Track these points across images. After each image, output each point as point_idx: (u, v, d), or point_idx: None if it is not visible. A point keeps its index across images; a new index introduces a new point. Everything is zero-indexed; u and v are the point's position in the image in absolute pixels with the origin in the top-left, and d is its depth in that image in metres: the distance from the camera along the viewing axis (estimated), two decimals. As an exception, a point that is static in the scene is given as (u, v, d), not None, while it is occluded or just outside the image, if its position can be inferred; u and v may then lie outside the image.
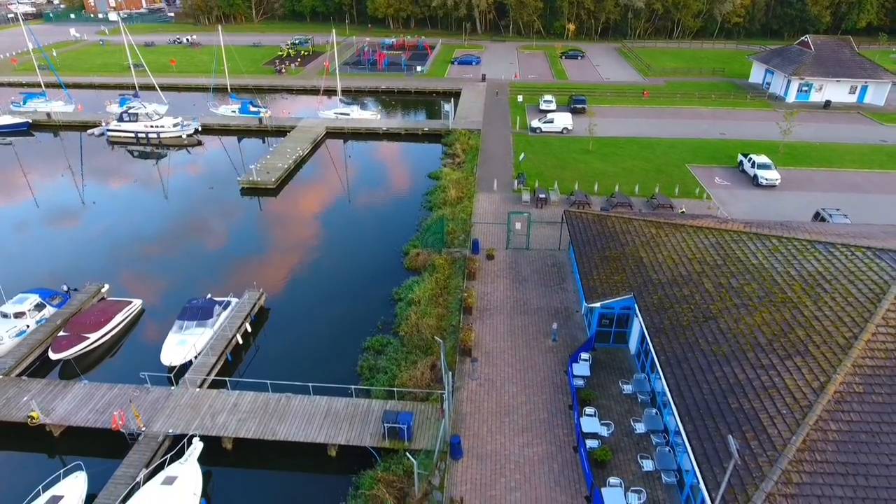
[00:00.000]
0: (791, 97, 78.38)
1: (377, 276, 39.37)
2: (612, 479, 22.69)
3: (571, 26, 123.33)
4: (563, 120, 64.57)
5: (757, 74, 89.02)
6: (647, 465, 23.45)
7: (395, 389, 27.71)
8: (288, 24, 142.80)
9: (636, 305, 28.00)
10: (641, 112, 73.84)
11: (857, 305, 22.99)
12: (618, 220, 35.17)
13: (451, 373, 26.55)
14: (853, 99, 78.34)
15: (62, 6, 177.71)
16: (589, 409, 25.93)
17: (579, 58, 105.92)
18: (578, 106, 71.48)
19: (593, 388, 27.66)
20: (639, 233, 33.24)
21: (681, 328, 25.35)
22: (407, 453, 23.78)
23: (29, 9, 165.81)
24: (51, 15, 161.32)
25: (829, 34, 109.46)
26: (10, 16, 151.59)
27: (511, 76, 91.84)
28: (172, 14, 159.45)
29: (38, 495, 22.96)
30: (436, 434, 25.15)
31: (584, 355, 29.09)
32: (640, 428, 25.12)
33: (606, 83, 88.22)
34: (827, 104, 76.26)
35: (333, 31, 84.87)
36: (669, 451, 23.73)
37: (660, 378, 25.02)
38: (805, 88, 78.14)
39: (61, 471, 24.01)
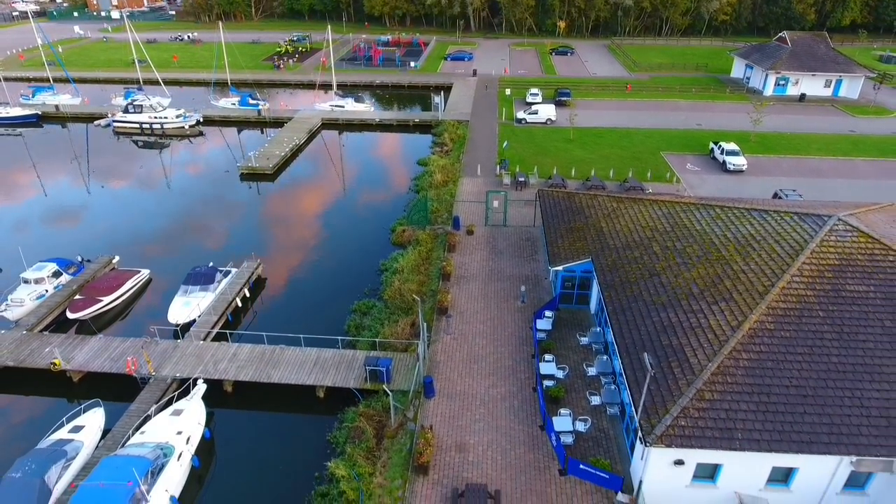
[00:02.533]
0: (769, 91, 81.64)
1: (366, 251, 42.69)
2: (563, 410, 26.01)
3: (562, 24, 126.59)
4: (546, 111, 67.88)
5: (738, 69, 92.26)
6: (595, 400, 26.78)
7: (377, 340, 31.06)
8: (287, 22, 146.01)
9: (594, 267, 31.28)
10: (624, 105, 77.10)
11: (779, 260, 26.32)
12: (584, 197, 38.45)
13: (426, 324, 29.86)
14: (828, 92, 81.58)
15: (65, 4, 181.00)
16: (548, 356, 29.23)
17: (569, 54, 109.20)
18: (563, 98, 74.76)
19: (554, 341, 30.97)
20: (602, 207, 36.51)
21: (629, 283, 28.63)
22: (385, 387, 27.07)
23: (33, 7, 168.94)
24: (54, 13, 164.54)
25: (813, 31, 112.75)
26: (14, 14, 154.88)
27: (501, 71, 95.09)
28: (174, 12, 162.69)
29: (62, 425, 26.30)
30: (412, 378, 28.45)
31: (548, 313, 32.36)
32: (591, 371, 28.46)
33: (592, 78, 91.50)
34: (802, 97, 79.58)
35: (329, 27, 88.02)
36: (615, 388, 27.03)
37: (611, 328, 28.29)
38: (782, 82, 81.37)
39: (82, 406, 27.35)
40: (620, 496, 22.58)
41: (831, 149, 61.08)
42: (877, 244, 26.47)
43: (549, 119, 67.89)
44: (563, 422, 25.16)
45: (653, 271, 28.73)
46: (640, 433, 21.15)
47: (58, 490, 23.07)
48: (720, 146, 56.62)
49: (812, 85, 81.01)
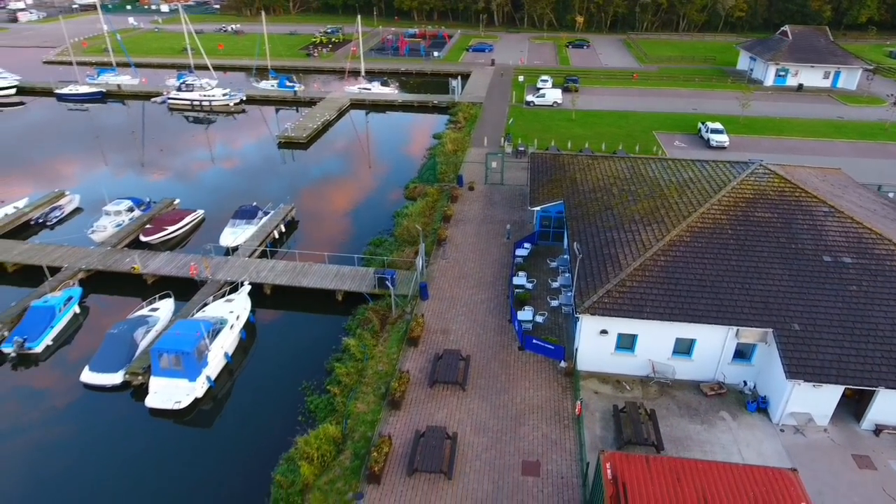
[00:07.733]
0: (769, 81, 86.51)
1: (382, 203, 50.32)
2: (527, 307, 32.99)
3: (580, 19, 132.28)
4: (553, 95, 74.44)
5: (744, 62, 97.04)
6: (554, 303, 33.70)
7: (385, 259, 38.53)
8: (322, 16, 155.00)
9: (564, 206, 38.07)
10: (628, 92, 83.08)
11: (705, 194, 32.84)
12: (567, 157, 45.19)
13: (424, 246, 37.20)
14: (827, 83, 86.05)
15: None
16: (521, 273, 36.22)
17: (584, 47, 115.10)
18: (570, 84, 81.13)
19: (529, 265, 37.93)
20: (579, 164, 43.20)
21: (589, 215, 35.38)
22: (390, 290, 34.45)
23: (90, 0, 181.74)
24: (109, 6, 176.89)
25: (815, 26, 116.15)
26: (74, 6, 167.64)
27: (518, 62, 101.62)
28: (218, 6, 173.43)
29: (141, 307, 34.47)
30: (412, 286, 35.78)
31: (527, 244, 39.31)
32: (555, 284, 35.37)
33: (603, 68, 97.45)
34: (799, 87, 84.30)
35: (359, 17, 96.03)
36: (571, 294, 33.85)
37: (572, 251, 35.03)
38: (782, 73, 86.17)
39: (157, 295, 35.50)
40: (562, 363, 29.48)
41: (813, 132, 66.20)
42: (787, 184, 32.79)
43: (556, 102, 74.42)
44: (525, 315, 32.14)
45: (608, 206, 35.47)
46: (574, 308, 28.04)
47: (142, 345, 31.16)
48: (706, 125, 62.45)
49: (811, 76, 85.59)
